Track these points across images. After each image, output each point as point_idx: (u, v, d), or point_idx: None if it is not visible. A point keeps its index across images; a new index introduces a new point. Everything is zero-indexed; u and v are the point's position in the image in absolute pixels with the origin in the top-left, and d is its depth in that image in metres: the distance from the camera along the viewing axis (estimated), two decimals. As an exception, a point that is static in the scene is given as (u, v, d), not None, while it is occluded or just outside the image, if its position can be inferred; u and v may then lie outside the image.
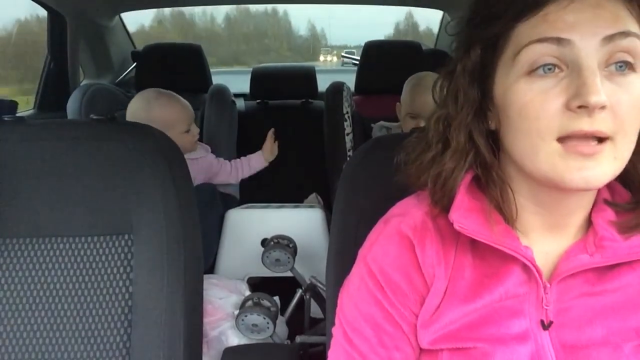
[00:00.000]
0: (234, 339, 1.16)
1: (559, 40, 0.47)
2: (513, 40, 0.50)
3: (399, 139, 0.62)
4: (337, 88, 1.96)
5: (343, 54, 3.43)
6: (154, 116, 1.45)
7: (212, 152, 1.77)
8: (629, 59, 0.47)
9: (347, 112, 1.87)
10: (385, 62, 2.21)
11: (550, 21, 0.48)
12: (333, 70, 3.48)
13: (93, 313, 0.82)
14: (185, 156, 1.56)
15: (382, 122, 1.84)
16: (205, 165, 1.68)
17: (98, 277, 0.82)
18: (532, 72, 0.49)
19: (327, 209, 1.67)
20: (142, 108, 1.50)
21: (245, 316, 1.13)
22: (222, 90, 2.10)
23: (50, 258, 0.83)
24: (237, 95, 2.31)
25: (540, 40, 0.48)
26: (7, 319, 0.81)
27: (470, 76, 0.54)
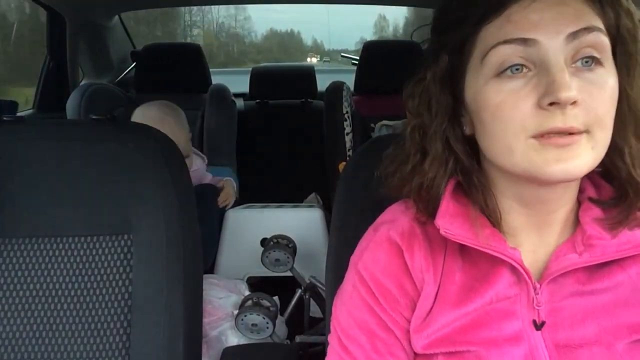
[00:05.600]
0: (234, 339, 1.16)
1: (524, 41, 0.48)
2: (479, 44, 0.51)
3: (399, 138, 0.62)
4: (336, 88, 1.96)
5: (342, 54, 3.49)
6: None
7: (211, 152, 1.77)
8: (595, 53, 0.48)
9: (347, 112, 1.88)
10: (385, 62, 2.21)
11: (514, 22, 0.48)
12: (333, 70, 3.50)
13: (93, 313, 0.82)
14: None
15: (384, 122, 1.84)
16: (197, 177, 1.67)
17: (98, 277, 0.82)
18: (500, 73, 0.49)
19: (327, 208, 1.67)
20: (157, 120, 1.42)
21: (245, 316, 1.13)
22: (222, 90, 2.10)
23: (50, 258, 0.83)
24: (236, 95, 2.31)
25: (506, 42, 0.48)
26: (7, 319, 0.81)
27: (440, 83, 0.55)
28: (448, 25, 0.53)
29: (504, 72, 0.49)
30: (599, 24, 0.48)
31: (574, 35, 0.47)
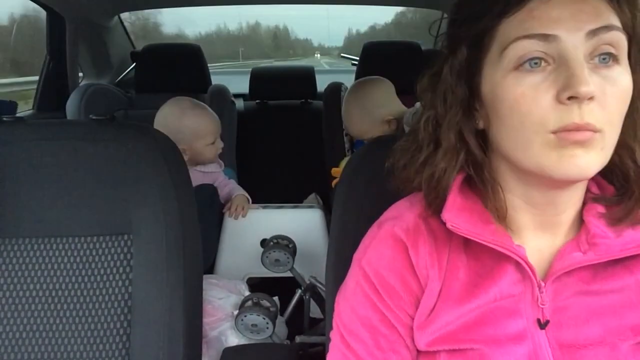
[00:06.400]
0: (234, 339, 1.16)
1: (545, 37, 0.48)
2: (499, 37, 0.51)
3: (399, 139, 0.62)
4: (335, 88, 1.97)
5: (342, 54, 3.51)
6: (185, 125, 1.48)
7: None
8: (613, 51, 0.48)
9: (347, 112, 1.87)
10: (385, 62, 2.21)
11: (536, 17, 0.48)
12: (333, 71, 3.50)
13: (93, 313, 0.82)
14: (199, 168, 1.55)
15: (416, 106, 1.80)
16: (211, 180, 1.67)
17: (98, 277, 0.83)
18: (519, 66, 0.49)
19: (327, 209, 1.67)
20: (175, 115, 1.50)
21: (245, 316, 1.12)
22: (221, 90, 2.10)
23: (50, 258, 0.83)
24: (236, 96, 2.31)
25: (527, 37, 0.48)
26: (7, 319, 0.81)
27: (457, 75, 0.55)
28: (468, 17, 0.53)
29: (522, 65, 0.49)
30: (617, 22, 0.49)
31: (593, 32, 0.47)
